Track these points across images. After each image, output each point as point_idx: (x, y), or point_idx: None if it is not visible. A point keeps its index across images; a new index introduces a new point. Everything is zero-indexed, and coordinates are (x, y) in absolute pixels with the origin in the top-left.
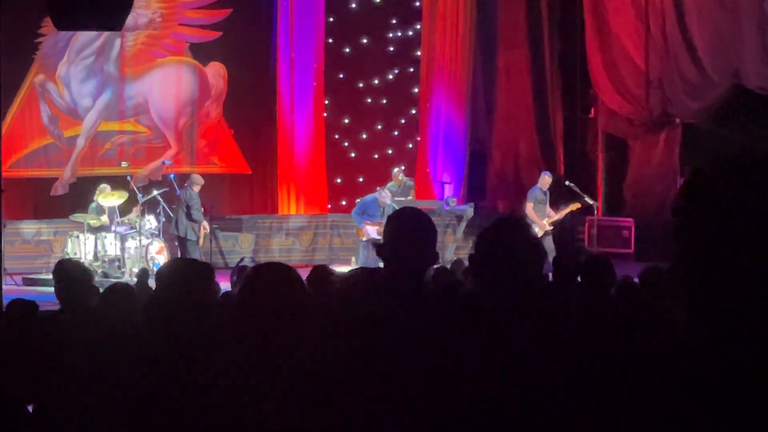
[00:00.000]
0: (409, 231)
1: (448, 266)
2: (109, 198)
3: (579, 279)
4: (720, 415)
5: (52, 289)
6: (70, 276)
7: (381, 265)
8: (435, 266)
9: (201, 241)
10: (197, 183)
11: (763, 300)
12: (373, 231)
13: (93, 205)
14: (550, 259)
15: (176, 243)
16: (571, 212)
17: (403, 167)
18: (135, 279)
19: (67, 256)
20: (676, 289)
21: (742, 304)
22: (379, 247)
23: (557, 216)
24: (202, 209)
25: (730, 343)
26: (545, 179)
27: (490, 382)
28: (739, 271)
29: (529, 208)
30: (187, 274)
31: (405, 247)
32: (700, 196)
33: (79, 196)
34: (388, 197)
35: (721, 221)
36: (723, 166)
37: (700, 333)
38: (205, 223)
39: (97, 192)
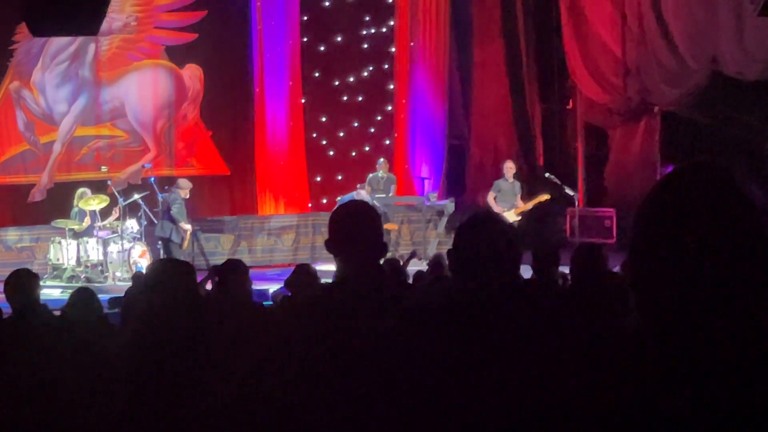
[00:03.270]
0: (353, 223)
1: (430, 261)
2: (90, 203)
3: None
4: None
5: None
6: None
7: None
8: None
9: (185, 243)
10: (183, 187)
11: (712, 303)
12: None
13: (75, 210)
14: None
15: (158, 246)
16: (540, 203)
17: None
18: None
19: (50, 263)
20: (630, 290)
21: (691, 307)
22: (326, 243)
23: (524, 207)
24: (185, 211)
25: (680, 345)
26: (507, 167)
27: (469, 378)
28: (690, 275)
29: (490, 198)
30: (171, 273)
31: (351, 241)
32: (664, 203)
33: (58, 201)
34: (365, 197)
35: (680, 228)
36: (686, 173)
37: (649, 332)
38: (188, 225)
39: (77, 197)
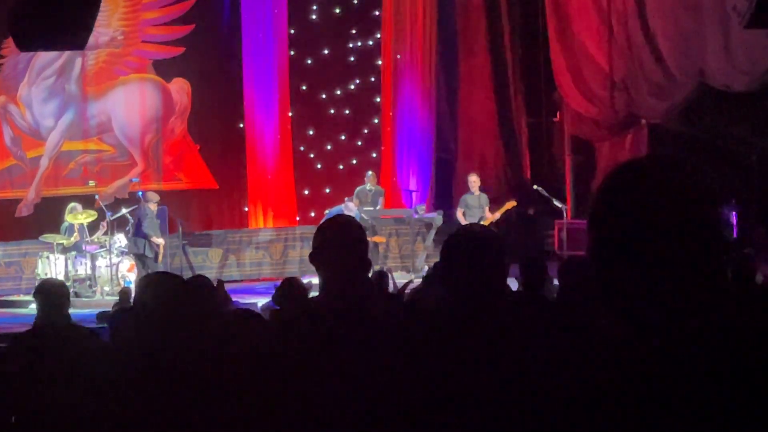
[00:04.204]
0: (338, 237)
1: (419, 274)
2: (78, 217)
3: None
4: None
5: (24, 311)
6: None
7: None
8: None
9: (159, 257)
10: (152, 200)
11: (674, 296)
12: None
13: (65, 225)
14: None
15: (137, 260)
16: (507, 211)
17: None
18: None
19: (38, 277)
20: (594, 288)
21: (656, 301)
22: (310, 255)
23: (493, 217)
24: (158, 223)
25: (650, 343)
26: (471, 180)
27: (457, 389)
28: (648, 268)
29: (459, 214)
30: (161, 287)
31: (335, 255)
32: (614, 199)
33: (45, 216)
34: (353, 210)
35: (633, 222)
36: (634, 169)
37: (619, 331)
38: (161, 239)
39: (67, 212)
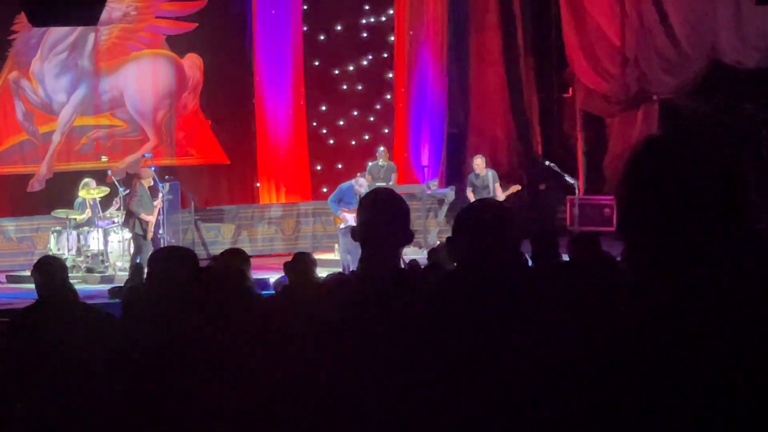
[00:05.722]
0: (381, 211)
1: (430, 249)
2: (91, 192)
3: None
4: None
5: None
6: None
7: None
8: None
9: (148, 235)
10: (144, 177)
11: (705, 270)
12: (351, 218)
13: (78, 200)
14: None
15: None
16: (513, 194)
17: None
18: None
19: (50, 252)
20: (629, 267)
21: (686, 276)
22: (353, 231)
23: (499, 197)
24: (149, 201)
25: (678, 317)
26: (476, 163)
27: (471, 366)
28: (679, 244)
29: (468, 192)
30: (173, 261)
31: (380, 227)
32: (642, 172)
33: (57, 191)
34: (364, 186)
35: (661, 193)
36: (660, 144)
37: (648, 305)
38: (149, 216)
39: (81, 187)
